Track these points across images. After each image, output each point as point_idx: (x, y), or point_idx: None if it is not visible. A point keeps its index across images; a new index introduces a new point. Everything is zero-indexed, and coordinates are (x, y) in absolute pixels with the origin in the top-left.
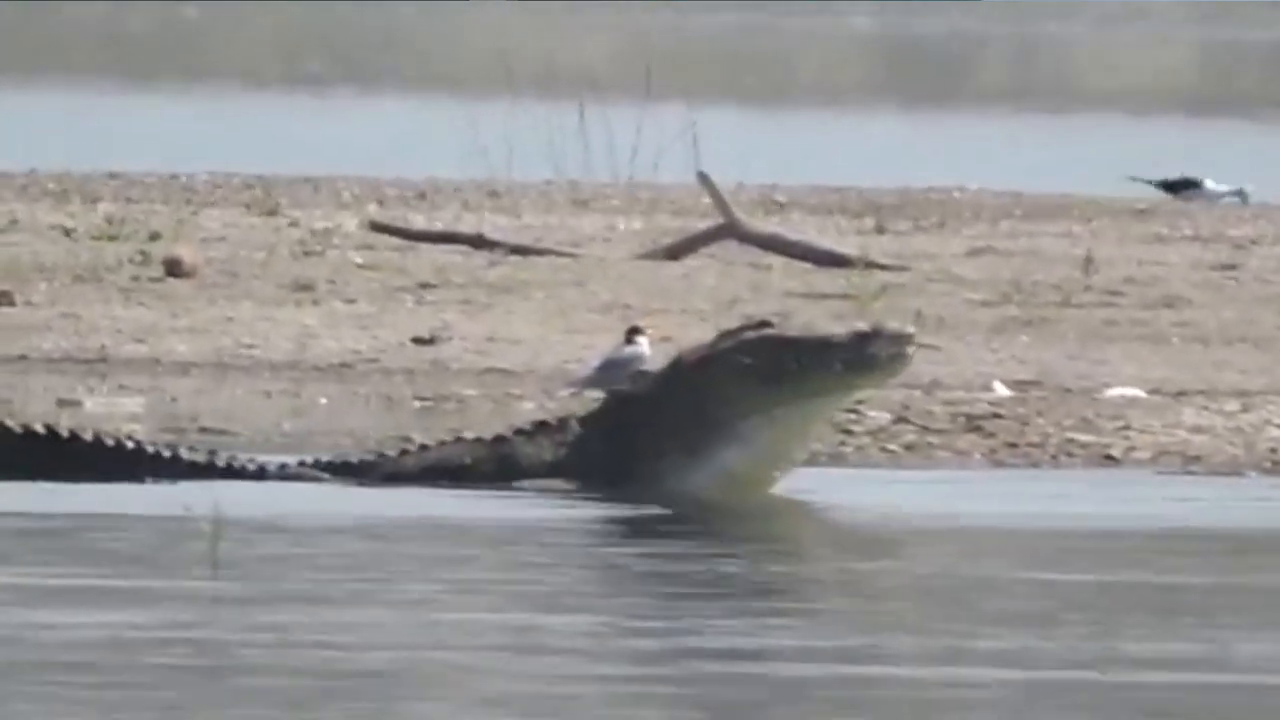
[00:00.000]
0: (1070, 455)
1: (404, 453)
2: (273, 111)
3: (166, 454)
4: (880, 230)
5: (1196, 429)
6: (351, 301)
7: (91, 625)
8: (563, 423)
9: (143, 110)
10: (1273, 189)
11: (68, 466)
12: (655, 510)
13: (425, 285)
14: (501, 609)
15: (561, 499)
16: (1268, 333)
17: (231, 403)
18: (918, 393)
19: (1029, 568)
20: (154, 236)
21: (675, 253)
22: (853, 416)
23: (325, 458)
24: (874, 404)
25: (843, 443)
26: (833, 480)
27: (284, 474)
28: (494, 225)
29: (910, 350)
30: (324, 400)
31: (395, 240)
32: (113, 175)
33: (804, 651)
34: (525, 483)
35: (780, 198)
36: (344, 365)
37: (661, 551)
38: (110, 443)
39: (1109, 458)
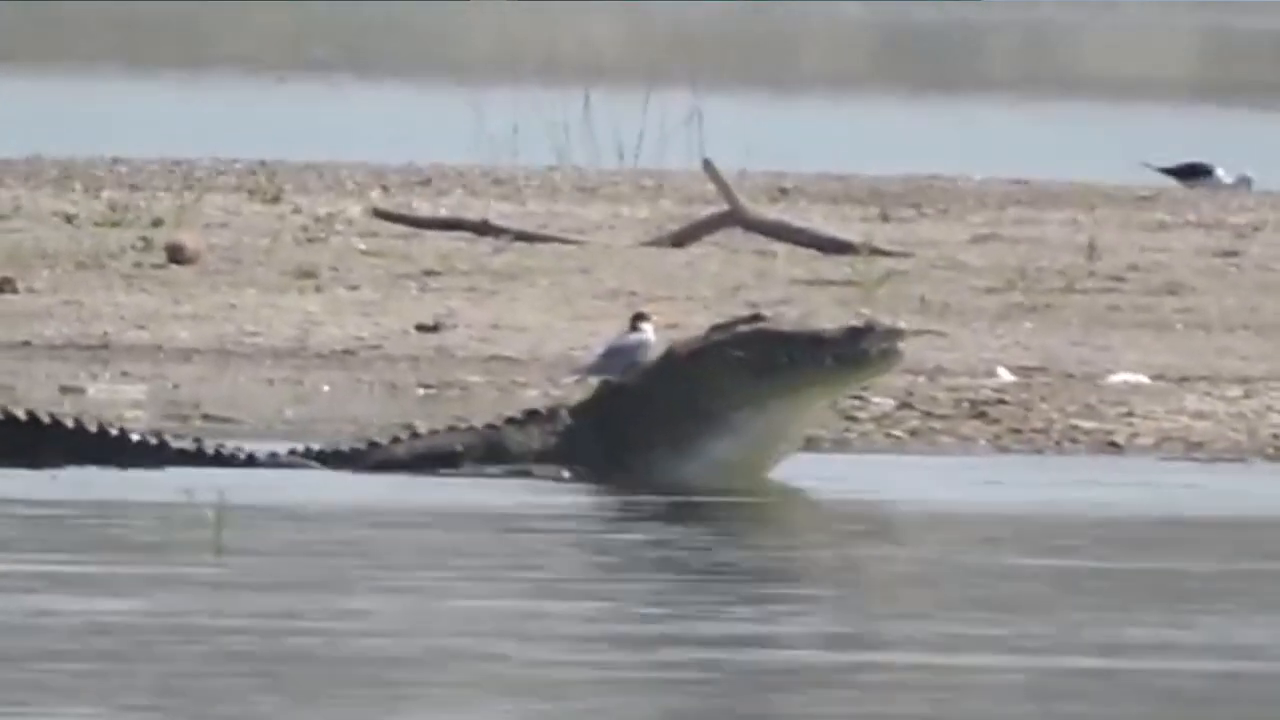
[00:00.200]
0: (1074, 441)
1: (395, 440)
2: (276, 97)
3: (153, 441)
4: (885, 217)
5: (1199, 415)
6: (355, 288)
7: (97, 612)
8: (553, 412)
9: (146, 96)
10: (1276, 176)
11: (51, 454)
12: (659, 497)
13: (429, 272)
14: (506, 595)
15: (565, 486)
16: (1270, 319)
17: (234, 390)
18: (922, 379)
19: (1033, 554)
20: (157, 223)
21: (680, 240)
22: (857, 403)
23: (316, 446)
24: (878, 390)
25: (847, 429)
26: (837, 466)
27: (275, 462)
28: (499, 212)
29: (902, 346)
30: (327, 387)
31: (399, 227)
32: (115, 161)
33: (807, 638)
34: (516, 470)
35: (785, 185)
36: (347, 352)
37: (666, 538)
38: (94, 429)
39: (1112, 444)
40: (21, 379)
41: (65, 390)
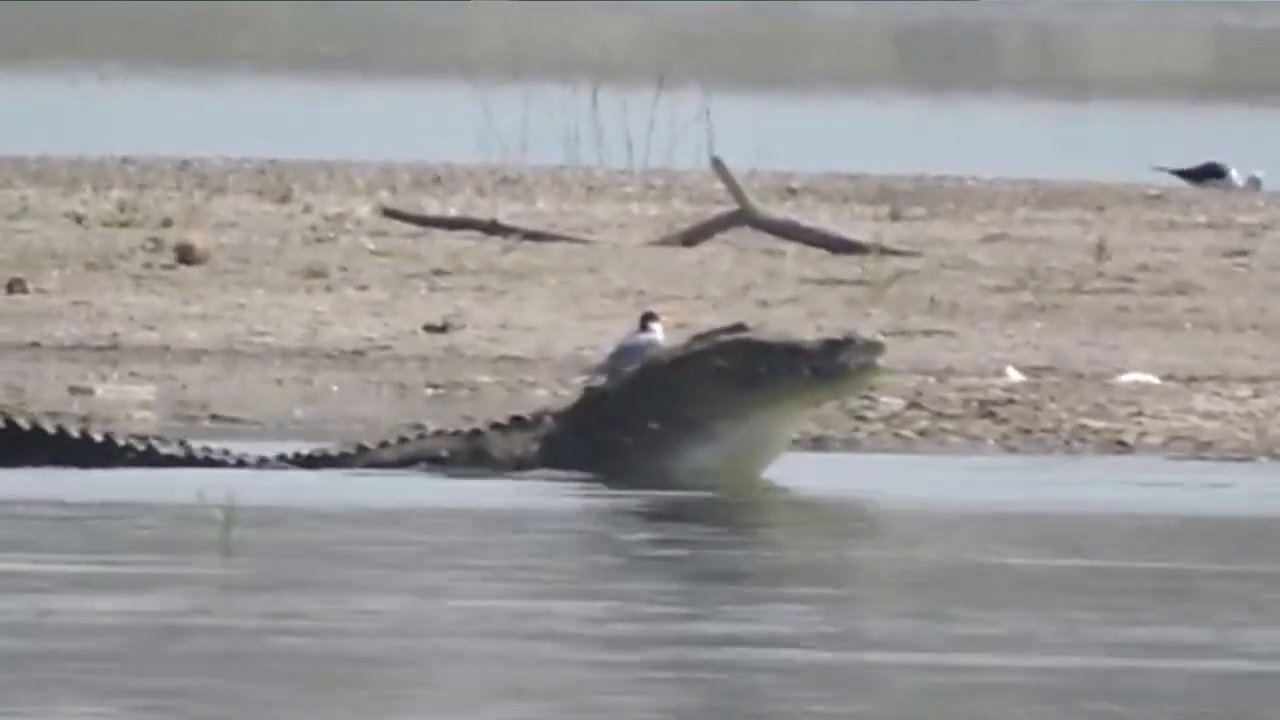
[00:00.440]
0: (1083, 441)
1: (383, 445)
2: (285, 97)
3: (140, 446)
4: (894, 217)
5: (1208, 415)
6: (364, 288)
7: (106, 612)
8: (539, 418)
9: (155, 96)
10: None
11: (35, 459)
12: (663, 497)
13: (438, 272)
14: (511, 595)
15: (568, 487)
16: (1279, 319)
17: (243, 390)
18: (931, 379)
19: (1042, 554)
20: (166, 223)
21: (690, 239)
22: (866, 402)
23: (305, 450)
24: (887, 390)
25: (856, 429)
26: (844, 466)
27: (263, 466)
28: (508, 211)
29: (880, 361)
30: (336, 387)
31: (408, 226)
32: (125, 161)
33: (812, 638)
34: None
35: (794, 184)
36: (356, 352)
37: (670, 538)
38: (76, 434)
39: (1121, 444)
40: (31, 380)
41: (74, 391)
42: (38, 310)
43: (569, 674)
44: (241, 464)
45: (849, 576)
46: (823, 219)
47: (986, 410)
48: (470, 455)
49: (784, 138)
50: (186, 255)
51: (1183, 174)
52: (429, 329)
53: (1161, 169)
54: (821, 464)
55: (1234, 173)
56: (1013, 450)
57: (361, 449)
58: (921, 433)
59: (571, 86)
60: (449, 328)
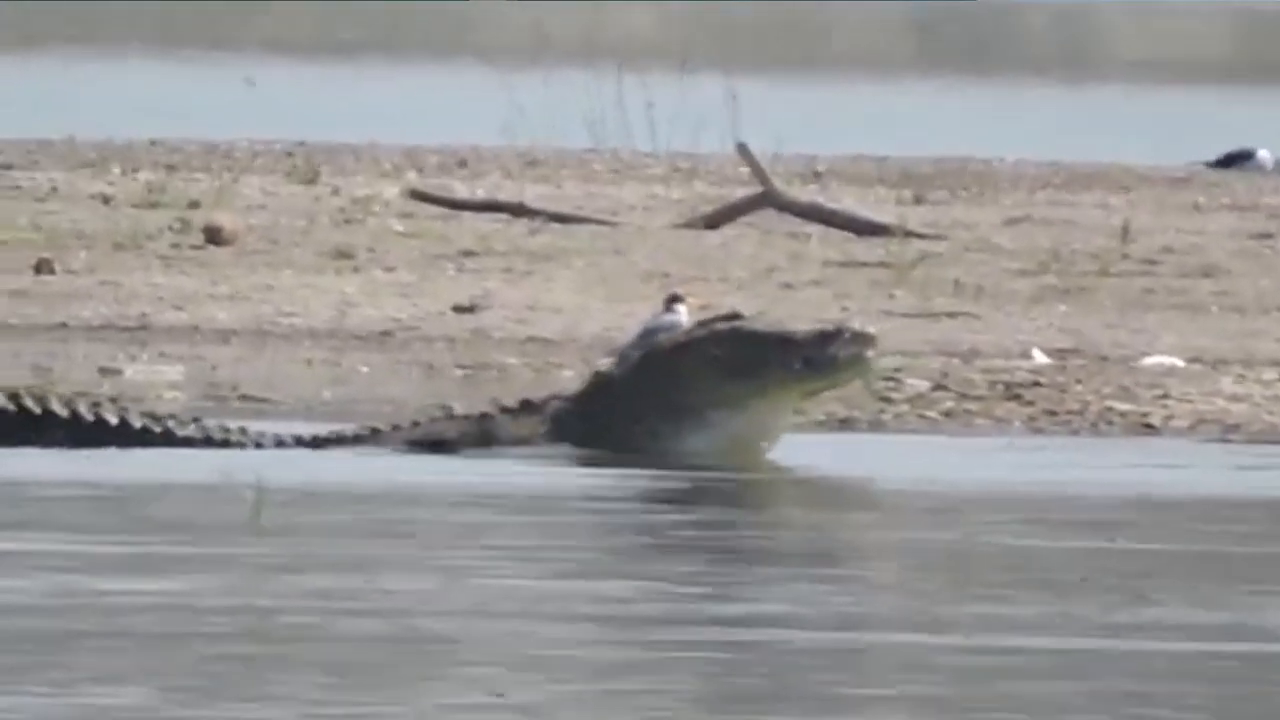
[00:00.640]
0: (1109, 423)
1: (395, 428)
2: (312, 81)
3: (157, 428)
4: (918, 200)
5: (1234, 397)
6: (392, 269)
7: (140, 592)
8: (546, 401)
9: (182, 78)
10: None
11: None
12: (692, 477)
13: (466, 253)
14: (538, 575)
15: (598, 468)
16: None
17: (272, 370)
18: (957, 360)
19: (1068, 536)
20: (194, 204)
21: (714, 222)
22: (891, 384)
23: (321, 433)
24: (913, 372)
25: (882, 410)
26: (871, 447)
27: (280, 447)
28: (534, 194)
29: (870, 354)
30: (365, 368)
31: (436, 209)
32: (152, 143)
33: (838, 618)
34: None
35: (819, 167)
36: (385, 333)
37: (696, 519)
38: (65, 413)
39: (1147, 426)
40: (59, 360)
41: (103, 372)
42: (66, 291)
43: (597, 654)
44: (259, 445)
45: (875, 558)
46: (847, 202)
47: (1012, 392)
48: (478, 438)
49: (808, 121)
50: (215, 236)
51: (1215, 164)
52: (457, 310)
53: (1198, 163)
54: (847, 445)
55: (1263, 154)
56: (1039, 432)
57: (375, 431)
58: (947, 414)
59: (597, 70)
60: (477, 309)
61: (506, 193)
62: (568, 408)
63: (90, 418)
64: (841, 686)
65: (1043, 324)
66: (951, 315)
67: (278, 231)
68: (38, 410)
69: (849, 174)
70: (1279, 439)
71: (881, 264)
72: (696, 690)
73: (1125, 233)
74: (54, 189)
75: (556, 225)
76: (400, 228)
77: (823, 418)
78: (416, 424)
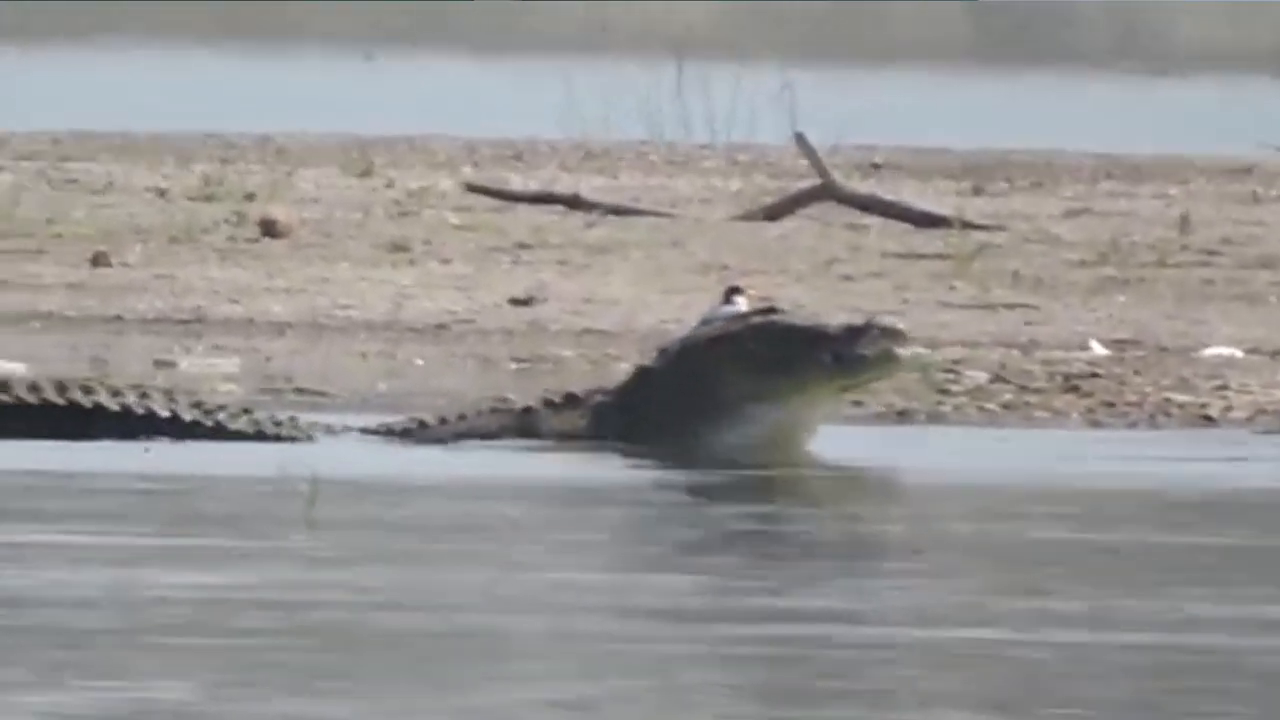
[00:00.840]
0: (1167, 415)
1: (443, 421)
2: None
3: (208, 421)
4: (977, 191)
5: None
6: (448, 262)
7: (190, 586)
8: (590, 395)
9: (238, 70)
10: None
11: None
12: (751, 472)
13: (522, 245)
14: (593, 569)
15: (654, 462)
16: None
17: (327, 363)
18: (1015, 352)
19: (1129, 529)
20: (249, 197)
21: (773, 213)
22: (950, 376)
23: (373, 425)
24: (971, 363)
25: (940, 402)
26: (931, 440)
27: (331, 439)
28: (591, 186)
29: (900, 351)
30: (420, 361)
31: (491, 201)
32: (208, 136)
33: (898, 613)
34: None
35: (877, 159)
36: (440, 326)
37: (759, 512)
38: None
39: (1206, 417)
40: (115, 353)
41: (159, 364)
42: (122, 284)
43: (654, 649)
44: (311, 438)
45: (933, 551)
46: (905, 193)
47: (1071, 384)
48: (520, 430)
49: (867, 113)
50: (270, 229)
51: None
52: (513, 302)
53: (1267, 145)
54: (905, 437)
55: None
56: (1097, 424)
57: (423, 424)
58: (1006, 406)
59: (653, 62)
60: (533, 301)
61: (563, 185)
62: (609, 401)
63: (141, 411)
64: (900, 682)
65: (1101, 315)
66: (1010, 307)
67: (333, 224)
68: (88, 404)
69: (908, 165)
70: None
71: (940, 256)
72: (752, 685)
73: (1184, 223)
74: (110, 182)
75: (613, 218)
76: (456, 220)
77: (881, 409)
78: (463, 417)
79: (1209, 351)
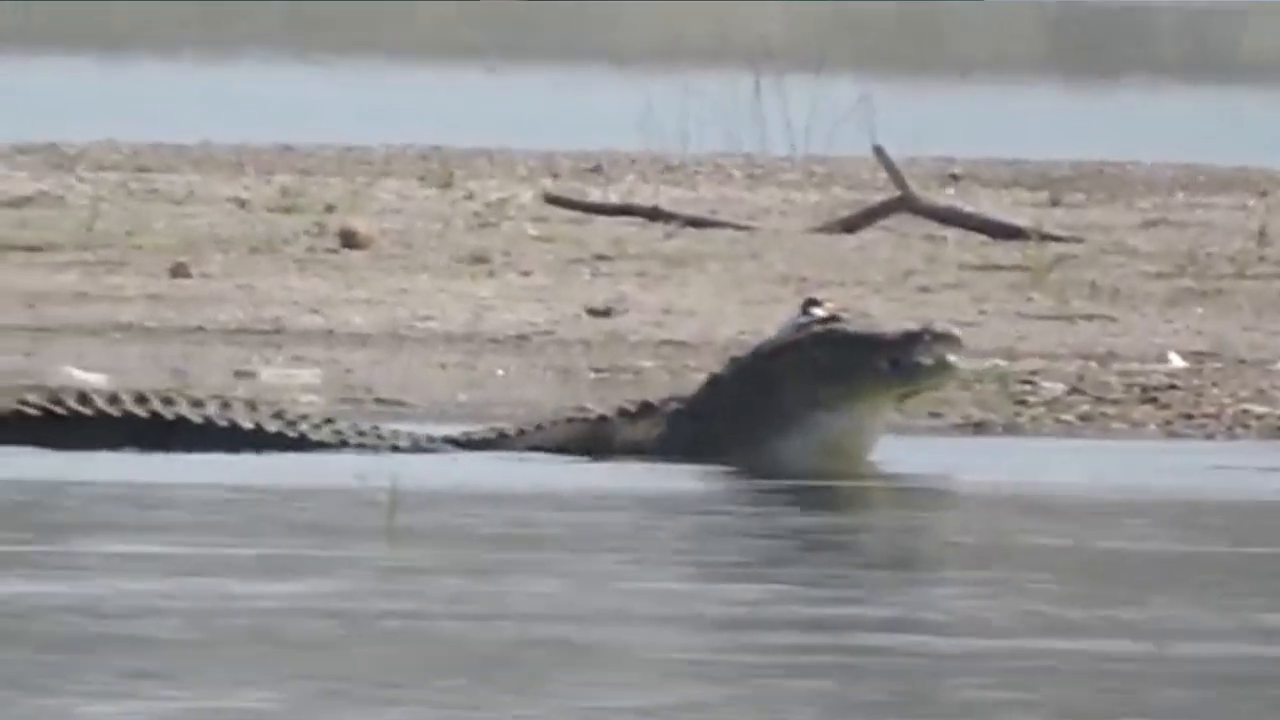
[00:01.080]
0: (1245, 426)
1: (521, 431)
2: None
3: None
4: (1054, 203)
5: None
6: (527, 273)
7: (271, 595)
8: (664, 404)
9: (318, 82)
10: None
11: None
12: (822, 482)
13: (601, 257)
14: (678, 579)
15: (725, 471)
16: None
17: (407, 374)
18: (1093, 363)
19: (1203, 540)
20: (329, 208)
21: (851, 225)
22: (1027, 387)
23: (454, 434)
24: (1049, 375)
25: (1017, 413)
26: (1008, 451)
27: (416, 447)
28: (670, 198)
29: (953, 358)
30: (500, 372)
31: (570, 213)
32: (288, 148)
33: (976, 624)
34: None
35: (955, 170)
36: (520, 337)
37: (831, 522)
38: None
39: None
40: (195, 363)
41: (239, 375)
42: (202, 294)
43: (736, 658)
44: (394, 448)
45: (1011, 562)
46: (983, 205)
47: (1148, 395)
48: (595, 440)
49: (944, 124)
50: (350, 240)
51: None
52: (592, 313)
53: None
54: (982, 449)
55: None
56: (1174, 436)
57: (502, 434)
58: (1083, 418)
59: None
60: (612, 312)
61: (641, 197)
62: (681, 410)
63: (223, 423)
64: (975, 692)
65: (1179, 326)
66: (1088, 318)
67: (412, 235)
68: (170, 416)
69: (985, 177)
70: None
71: (1018, 267)
72: (827, 695)
73: (1262, 235)
74: (190, 193)
75: (692, 229)
76: (535, 232)
77: (959, 421)
78: (540, 427)
79: None
